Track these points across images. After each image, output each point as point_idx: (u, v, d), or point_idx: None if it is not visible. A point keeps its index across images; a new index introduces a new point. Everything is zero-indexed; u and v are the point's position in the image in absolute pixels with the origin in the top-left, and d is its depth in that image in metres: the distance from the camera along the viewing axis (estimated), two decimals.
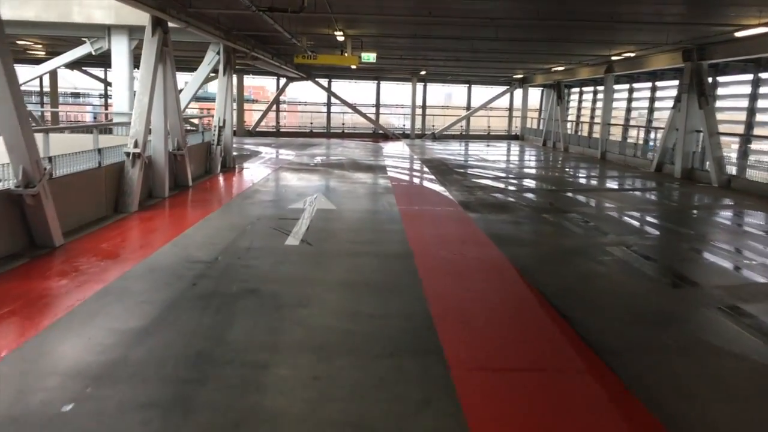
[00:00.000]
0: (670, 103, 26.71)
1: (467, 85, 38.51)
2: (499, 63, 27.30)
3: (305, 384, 4.42)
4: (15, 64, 7.35)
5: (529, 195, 15.16)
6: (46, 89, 32.22)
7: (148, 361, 4.67)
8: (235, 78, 33.76)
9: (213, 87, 47.11)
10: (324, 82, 35.74)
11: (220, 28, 15.20)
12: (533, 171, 21.85)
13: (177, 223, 10.17)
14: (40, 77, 32.80)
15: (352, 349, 5.05)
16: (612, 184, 18.47)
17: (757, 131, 18.14)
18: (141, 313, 5.72)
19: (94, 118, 34.02)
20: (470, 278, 7.43)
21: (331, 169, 18.88)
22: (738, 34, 14.15)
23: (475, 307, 6.35)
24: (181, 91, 15.27)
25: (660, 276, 8.14)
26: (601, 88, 32.82)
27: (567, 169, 22.43)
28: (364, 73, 35.19)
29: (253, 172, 17.72)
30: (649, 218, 12.60)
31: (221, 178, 16.11)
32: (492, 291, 6.97)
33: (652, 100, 26.87)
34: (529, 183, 17.73)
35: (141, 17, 12.37)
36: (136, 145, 10.99)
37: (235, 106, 34.48)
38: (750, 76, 18.26)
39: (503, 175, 19.53)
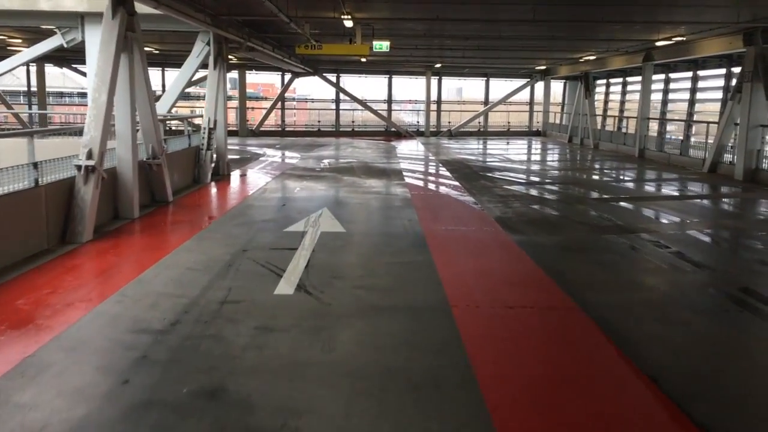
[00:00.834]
0: (715, 95, 24.18)
1: (485, 79, 35.99)
2: (522, 52, 24.78)
3: None
4: None
5: (576, 206, 12.66)
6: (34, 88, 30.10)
7: None
8: (236, 73, 31.60)
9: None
10: (332, 77, 33.34)
11: (205, 12, 12.83)
12: (569, 173, 19.32)
13: (136, 259, 7.81)
14: (27, 75, 30.70)
15: None
16: (668, 190, 15.83)
17: None
18: None
19: None
20: (545, 359, 5.01)
21: (339, 174, 16.49)
22: None
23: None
24: (157, 95, 12.89)
25: None
26: (631, 79, 30.29)
27: (607, 171, 19.91)
28: (375, 67, 32.83)
29: (250, 181, 15.37)
30: (746, 240, 10.11)
31: (210, 190, 13.76)
32: (596, 397, 4.54)
33: (693, 91, 24.29)
34: (571, 189, 15.22)
35: None
36: (90, 156, 8.65)
37: (236, 104, 32.27)
38: None
39: (537, 179, 17.06)
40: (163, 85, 31.32)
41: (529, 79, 35.99)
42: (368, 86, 56.24)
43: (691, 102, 24.20)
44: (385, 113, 34.64)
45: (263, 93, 47.57)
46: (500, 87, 37.02)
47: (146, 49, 24.71)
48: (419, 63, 31.82)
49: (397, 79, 34.91)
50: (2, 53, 23.50)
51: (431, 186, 15.09)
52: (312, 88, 41.60)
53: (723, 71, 22.10)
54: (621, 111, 31.09)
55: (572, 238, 9.42)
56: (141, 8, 10.28)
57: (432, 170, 18.62)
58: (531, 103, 37.17)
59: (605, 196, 14.10)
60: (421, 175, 17.42)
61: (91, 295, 6.19)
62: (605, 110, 31.63)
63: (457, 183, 15.31)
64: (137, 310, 5.75)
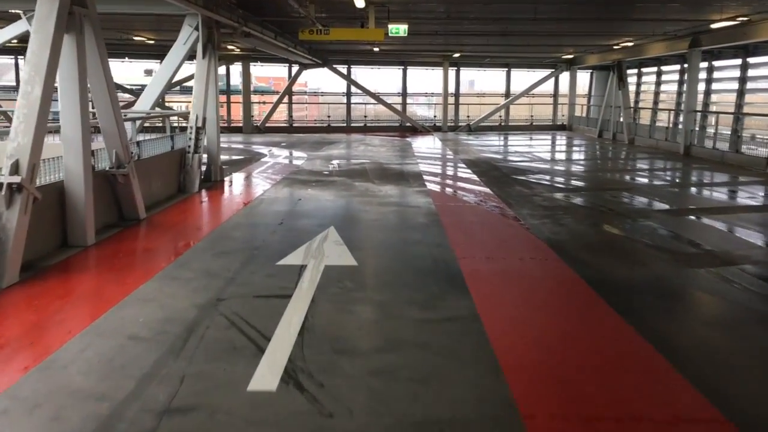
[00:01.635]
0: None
1: (505, 70, 33.56)
2: (550, 38, 22.35)
3: None
4: None
5: (642, 221, 10.31)
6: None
7: None
8: (239, 66, 29.43)
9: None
10: (342, 69, 31.05)
11: None
12: (615, 176, 16.92)
13: (62, 319, 5.60)
14: (16, 68, 28.74)
15: None
16: (745, 198, 13.28)
17: None
18: None
19: None
20: None
21: (350, 179, 14.26)
22: None
23: None
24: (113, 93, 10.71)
25: None
26: (666, 68, 27.81)
27: (658, 173, 17.50)
28: (388, 57, 30.53)
29: (245, 189, 13.17)
30: None
31: (196, 202, 11.58)
32: None
33: (743, 80, 21.81)
34: (625, 198, 12.84)
35: None
36: (15, 170, 6.46)
37: (240, 98, 30.09)
38: None
39: (579, 183, 14.73)
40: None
41: (553, 70, 33.52)
42: (381, 78, 53.89)
43: (740, 92, 21.73)
44: (399, 107, 32.33)
45: (275, 87, 45.39)
46: (521, 78, 34.64)
47: (138, 38, 22.64)
48: (436, 53, 29.49)
49: (410, 71, 32.55)
50: None
51: (458, 194, 12.79)
52: (323, 80, 39.43)
53: None
54: (655, 102, 28.65)
55: (658, 275, 7.11)
56: None
57: (456, 173, 16.32)
58: (555, 95, 34.72)
59: (670, 207, 11.73)
60: (444, 179, 15.14)
61: None
62: (636, 102, 29.14)
63: (487, 190, 13.02)
64: None
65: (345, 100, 31.98)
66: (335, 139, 26.11)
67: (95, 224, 8.04)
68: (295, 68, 30.51)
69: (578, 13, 15.44)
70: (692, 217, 10.82)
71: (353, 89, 31.72)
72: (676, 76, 26.83)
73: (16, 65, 28.61)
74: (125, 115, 10.94)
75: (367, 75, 32.74)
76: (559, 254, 7.80)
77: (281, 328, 5.20)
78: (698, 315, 6.13)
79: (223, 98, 31.63)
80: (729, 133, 20.86)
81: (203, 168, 13.57)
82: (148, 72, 44.65)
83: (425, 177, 14.95)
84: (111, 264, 7.21)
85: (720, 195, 13.95)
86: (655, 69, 28.77)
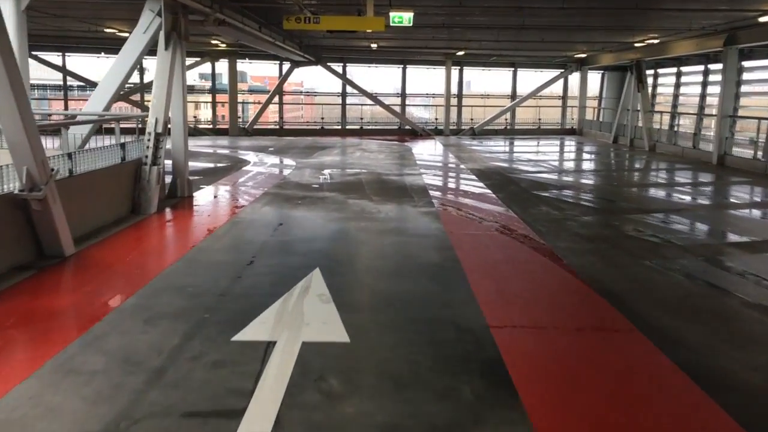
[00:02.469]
0: None
1: (511, 69, 31.37)
2: (566, 33, 20.17)
3: None
4: None
5: (724, 261, 8.09)
6: None
7: None
8: (225, 63, 27.16)
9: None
10: (337, 67, 28.80)
11: None
12: (653, 193, 14.72)
13: None
14: None
15: None
16: None
17: None
18: None
19: (49, 117, 27.47)
20: None
21: (342, 195, 12.03)
22: None
23: None
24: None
25: None
26: (687, 69, 25.68)
27: (703, 189, 15.27)
28: (387, 55, 28.34)
29: (215, 208, 10.89)
30: None
31: (149, 228, 9.31)
32: None
33: None
34: (679, 225, 10.59)
35: None
36: None
37: (225, 98, 27.83)
38: None
39: (615, 202, 12.51)
40: (141, 78, 26.90)
41: (562, 70, 31.35)
42: (378, 78, 51.85)
43: None
44: (397, 109, 30.10)
45: (270, 86, 43.05)
46: (527, 79, 32.51)
47: (109, 30, 20.34)
48: (439, 50, 27.27)
49: (410, 70, 30.30)
50: None
51: (474, 216, 10.55)
52: (319, 80, 37.26)
53: None
54: (674, 105, 26.54)
55: None
56: None
57: (466, 187, 14.07)
58: (564, 97, 32.55)
59: (746, 239, 9.48)
60: (453, 195, 12.88)
61: None
62: (652, 105, 26.98)
63: (508, 211, 10.81)
64: None
65: (340, 101, 29.71)
66: (329, 144, 23.86)
67: None
68: (286, 66, 28.24)
69: (611, 2, 13.25)
70: None
71: (349, 89, 29.47)
72: (698, 78, 24.76)
73: None
74: (74, 119, 8.74)
75: (364, 74, 30.56)
76: (632, 319, 5.58)
77: None
78: None
79: (208, 97, 29.39)
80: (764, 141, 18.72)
81: (169, 181, 11.34)
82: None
83: (431, 192, 12.73)
84: None
85: None
86: (673, 70, 26.68)
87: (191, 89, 30.64)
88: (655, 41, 20.76)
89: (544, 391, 4.24)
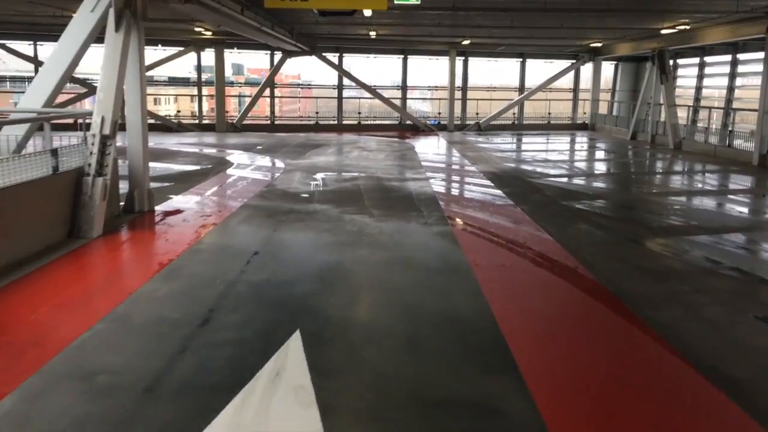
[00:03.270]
0: None
1: (520, 60, 29.28)
2: (585, 19, 18.13)
3: None
4: None
5: None
6: None
7: None
8: (211, 52, 24.97)
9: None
10: (334, 58, 26.65)
11: None
12: (706, 203, 12.69)
13: None
14: None
15: None
16: None
17: None
18: None
19: None
20: None
21: (337, 208, 9.99)
22: None
23: None
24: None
25: None
26: (711, 59, 23.67)
27: (760, 198, 13.25)
28: (387, 45, 26.23)
29: (175, 230, 8.76)
30: None
31: (83, 261, 7.23)
32: None
33: None
34: (766, 253, 8.55)
35: None
36: None
37: (207, 91, 25.70)
38: None
39: (659, 210, 10.46)
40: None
41: (574, 61, 29.23)
42: (376, 70, 49.79)
43: None
44: (398, 102, 27.98)
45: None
46: (536, 70, 30.53)
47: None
48: (443, 39, 25.19)
49: (411, 61, 28.16)
50: None
51: (499, 239, 8.50)
52: (318, 71, 35.20)
53: None
54: (696, 99, 24.53)
55: None
56: None
57: (482, 196, 11.99)
58: (575, 89, 30.46)
59: None
60: (469, 208, 10.78)
61: None
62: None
63: (539, 230, 8.76)
64: None
65: (336, 94, 27.56)
66: (323, 141, 21.75)
67: None
68: (278, 56, 26.08)
69: None
70: None
71: (346, 81, 27.33)
72: (725, 69, 22.76)
73: None
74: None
75: (361, 65, 28.40)
76: None
77: None
78: None
79: (200, 90, 27.29)
80: None
81: (106, 198, 9.27)
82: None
83: (442, 203, 10.68)
84: None
85: None
86: (695, 60, 24.67)
87: (183, 82, 28.42)
88: (686, 27, 18.65)
89: None
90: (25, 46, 24.42)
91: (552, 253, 7.57)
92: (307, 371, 4.25)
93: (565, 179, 14.38)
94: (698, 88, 24.73)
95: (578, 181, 14.11)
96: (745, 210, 11.36)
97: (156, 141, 20.43)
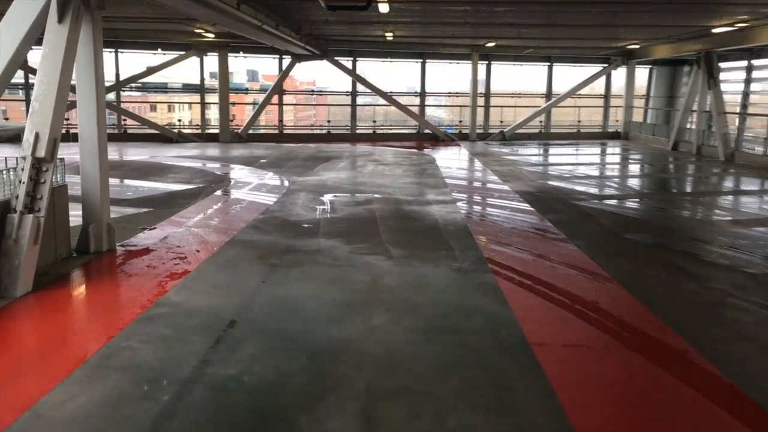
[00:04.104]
0: None
1: (547, 64, 27.12)
2: (623, 16, 16.01)
3: None
4: None
5: None
6: None
7: None
8: (215, 58, 23.13)
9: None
10: (346, 62, 24.67)
11: None
12: None
13: None
14: None
15: None
16: None
17: None
18: None
19: None
20: None
21: (347, 245, 7.98)
22: None
23: None
24: None
25: None
26: (759, 62, 21.39)
27: None
28: (404, 48, 24.24)
29: (133, 281, 6.70)
30: None
31: None
32: None
33: None
34: None
35: None
36: None
37: (213, 98, 23.83)
38: None
39: (755, 249, 8.27)
40: (117, 75, 22.92)
41: (605, 65, 27.02)
42: (391, 75, 47.69)
43: None
44: (415, 110, 25.93)
45: (282, 86, 39.31)
46: (563, 76, 28.36)
47: None
48: (464, 42, 23.13)
49: (429, 66, 26.09)
50: None
51: (561, 296, 6.40)
52: (334, 78, 33.41)
53: None
54: (743, 106, 22.22)
55: None
56: None
57: (524, 226, 9.86)
58: (606, 95, 28.23)
59: None
60: (510, 243, 8.63)
61: None
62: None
63: (609, 280, 6.65)
64: None
65: (349, 101, 25.56)
66: (335, 152, 19.74)
67: None
68: (287, 61, 24.15)
69: None
70: None
71: (360, 88, 25.33)
72: None
73: None
74: None
75: (376, 70, 26.48)
76: None
77: None
78: None
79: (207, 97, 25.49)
80: None
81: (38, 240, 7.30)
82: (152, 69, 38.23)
83: (477, 236, 8.60)
84: None
85: None
86: (740, 64, 22.39)
87: (195, 89, 26.55)
88: (745, 24, 16.43)
89: None
90: None
91: (639, 322, 5.48)
92: None
93: (615, 201, 12.24)
94: (745, 94, 22.43)
95: (632, 204, 11.96)
96: None
97: (152, 153, 18.61)
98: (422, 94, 25.94)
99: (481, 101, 26.26)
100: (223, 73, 22.95)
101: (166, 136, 22.55)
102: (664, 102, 28.13)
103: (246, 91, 34.97)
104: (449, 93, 28.54)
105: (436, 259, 7.46)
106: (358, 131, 25.48)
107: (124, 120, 23.27)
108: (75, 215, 7.36)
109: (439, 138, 25.00)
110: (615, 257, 7.69)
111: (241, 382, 4.22)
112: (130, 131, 23.57)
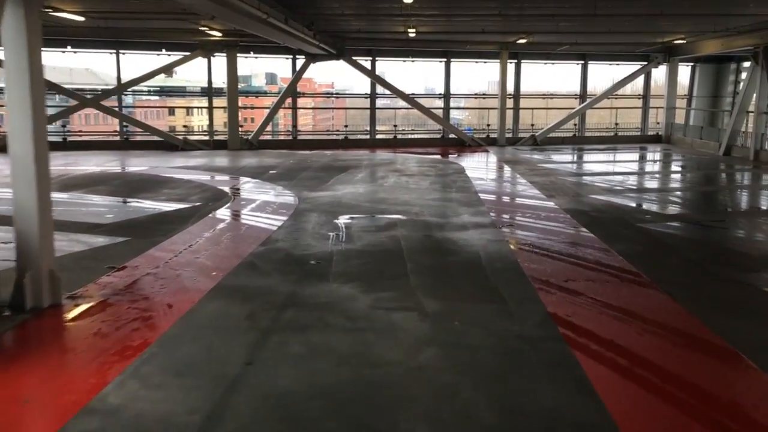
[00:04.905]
0: None
1: (581, 63, 25.02)
2: (679, 4, 13.94)
3: None
4: None
5: None
6: None
7: None
8: (223, 58, 21.45)
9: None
10: (365, 62, 22.81)
11: None
12: None
13: None
14: None
15: None
16: None
17: None
18: None
19: None
20: None
21: (366, 294, 6.17)
22: None
23: None
24: None
25: None
26: None
27: None
28: (427, 46, 22.36)
29: (67, 361, 4.87)
30: None
31: None
32: None
33: None
34: None
35: None
36: None
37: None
38: None
39: None
40: (119, 78, 21.27)
41: (645, 63, 24.85)
42: (410, 74, 46.00)
43: None
44: (439, 113, 24.00)
45: (302, 89, 37.94)
46: (597, 74, 26.25)
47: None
48: (494, 38, 21.18)
49: (454, 66, 24.13)
50: None
51: (678, 384, 4.48)
52: (351, 79, 31.69)
53: None
54: None
55: None
56: None
57: (587, 258, 7.87)
58: (646, 95, 26.05)
59: None
60: (580, 290, 6.63)
61: None
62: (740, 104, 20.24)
63: (745, 362, 4.65)
64: None
65: (368, 105, 23.68)
66: (353, 161, 17.88)
67: None
68: (300, 62, 22.34)
69: None
70: None
71: (379, 89, 23.44)
72: None
73: None
74: None
75: (395, 70, 24.69)
76: None
77: None
78: None
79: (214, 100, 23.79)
80: None
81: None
82: (168, 74, 36.94)
83: (533, 278, 6.65)
84: None
85: None
86: None
87: (217, 92, 24.97)
88: None
89: None
90: None
91: None
92: None
93: (688, 224, 10.19)
94: None
95: (713, 227, 9.89)
96: None
97: (153, 163, 16.93)
98: (446, 96, 23.98)
99: (509, 103, 24.21)
100: (232, 74, 21.21)
101: (172, 144, 20.88)
102: (708, 102, 25.95)
103: (265, 94, 33.42)
104: (476, 94, 26.57)
105: (485, 317, 5.55)
106: (377, 136, 23.60)
107: (126, 126, 21.60)
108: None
109: (465, 143, 23.04)
110: (727, 313, 5.71)
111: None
112: (133, 138, 21.95)
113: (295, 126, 23.32)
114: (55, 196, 5.98)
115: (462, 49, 22.99)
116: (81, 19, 15.81)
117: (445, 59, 23.58)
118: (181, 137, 21.41)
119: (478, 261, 7.41)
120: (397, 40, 21.16)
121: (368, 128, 23.64)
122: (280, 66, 22.66)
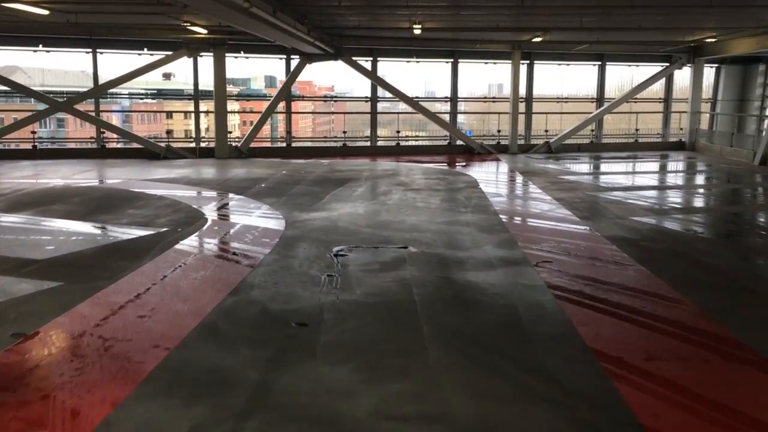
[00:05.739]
0: None
1: (597, 63, 23.16)
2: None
3: None
4: None
5: None
6: None
7: None
8: (209, 57, 19.54)
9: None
10: (365, 63, 20.93)
11: None
12: None
13: None
14: None
15: None
16: None
17: None
18: None
19: None
20: None
21: (368, 383, 4.34)
22: None
23: None
24: None
25: None
26: None
27: None
28: (432, 45, 20.53)
29: None
30: None
31: None
32: None
33: None
34: None
35: None
36: None
37: (203, 106, 20.24)
38: None
39: None
40: (96, 80, 19.36)
41: (667, 64, 22.99)
42: (411, 76, 44.44)
43: None
44: (446, 118, 22.12)
45: (300, 92, 36.08)
46: (614, 76, 24.51)
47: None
48: (506, 37, 19.40)
49: (461, 67, 22.22)
50: None
51: None
52: (354, 82, 30.01)
53: None
54: None
55: None
56: None
57: (661, 318, 5.97)
58: (667, 99, 24.17)
59: None
60: (671, 380, 4.74)
61: None
62: None
63: None
64: None
65: (368, 109, 21.78)
66: (352, 172, 15.99)
67: None
68: (295, 61, 20.45)
69: None
70: None
71: (380, 91, 21.56)
72: None
73: None
74: None
75: (396, 72, 22.95)
76: None
77: None
78: None
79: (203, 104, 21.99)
80: None
81: None
82: (166, 76, 35.08)
83: (601, 359, 4.71)
84: None
85: None
86: None
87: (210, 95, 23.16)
88: None
89: None
90: None
91: None
92: None
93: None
94: None
95: None
96: None
97: (128, 174, 15.08)
98: (454, 100, 22.09)
99: (521, 108, 22.32)
100: (219, 75, 19.33)
101: (154, 152, 19.01)
102: (734, 107, 24.11)
103: (264, 97, 31.71)
104: (485, 98, 24.67)
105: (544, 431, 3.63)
106: (378, 143, 21.71)
107: (103, 132, 19.70)
108: None
109: (473, 151, 21.15)
110: None
111: None
112: (112, 146, 20.10)
113: (289, 132, 21.42)
114: None
115: (471, 48, 21.15)
116: (44, 12, 13.88)
117: (452, 60, 21.72)
118: (163, 144, 19.49)
119: (518, 322, 5.51)
120: (401, 39, 19.35)
121: (368, 134, 21.73)
122: (281, 68, 20.99)
